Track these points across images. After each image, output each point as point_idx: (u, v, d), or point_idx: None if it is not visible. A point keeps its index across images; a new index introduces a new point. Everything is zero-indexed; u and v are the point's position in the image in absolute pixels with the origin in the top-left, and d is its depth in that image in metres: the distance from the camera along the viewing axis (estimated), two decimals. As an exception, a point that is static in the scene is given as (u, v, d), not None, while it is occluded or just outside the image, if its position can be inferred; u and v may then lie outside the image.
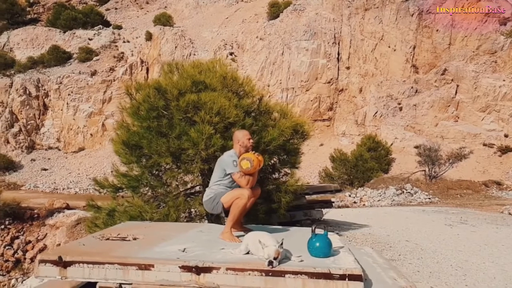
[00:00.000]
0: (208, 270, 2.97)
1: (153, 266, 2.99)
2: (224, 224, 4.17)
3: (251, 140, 4.09)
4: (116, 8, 49.48)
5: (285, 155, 6.13)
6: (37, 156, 33.23)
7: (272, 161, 6.07)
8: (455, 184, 18.80)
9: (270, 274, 2.94)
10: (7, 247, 16.38)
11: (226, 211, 3.96)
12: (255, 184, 4.02)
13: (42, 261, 3.04)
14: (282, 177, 6.38)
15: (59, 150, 34.07)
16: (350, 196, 17.80)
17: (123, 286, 3.02)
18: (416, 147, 24.52)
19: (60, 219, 18.15)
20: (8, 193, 20.40)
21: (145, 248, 3.38)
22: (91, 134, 34.11)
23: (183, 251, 3.30)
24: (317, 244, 3.26)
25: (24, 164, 32.20)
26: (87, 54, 37.21)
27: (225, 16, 41.11)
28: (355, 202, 17.06)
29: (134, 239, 3.81)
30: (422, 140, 25.90)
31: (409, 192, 17.25)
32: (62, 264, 3.01)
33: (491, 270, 5.55)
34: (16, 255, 14.56)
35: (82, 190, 28.44)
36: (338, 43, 32.45)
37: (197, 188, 5.81)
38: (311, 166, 28.67)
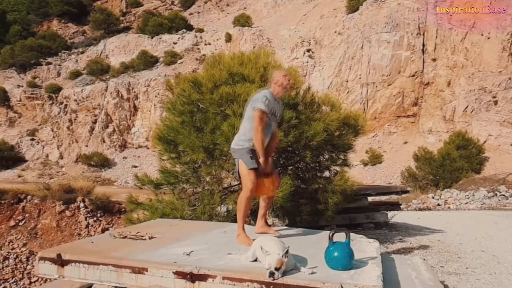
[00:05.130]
0: (203, 277, 2.64)
1: (146, 270, 2.75)
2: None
3: (291, 81, 3.61)
4: (198, 12, 51.46)
5: (334, 151, 5.56)
6: (128, 154, 35.78)
7: (319, 158, 5.55)
8: None
9: (271, 287, 2.53)
10: (98, 238, 17.86)
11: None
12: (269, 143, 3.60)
13: (42, 259, 2.95)
14: (333, 176, 5.80)
15: (148, 148, 36.24)
16: (433, 197, 16.25)
17: (118, 289, 2.83)
18: (515, 144, 21.78)
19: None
20: (100, 188, 22.11)
21: (150, 249, 3.16)
22: (174, 134, 35.82)
23: (188, 255, 3.01)
24: (335, 254, 2.76)
25: (117, 162, 34.91)
26: (172, 58, 39.19)
27: (303, 13, 40.43)
28: (438, 205, 15.51)
29: (150, 238, 3.63)
30: (523, 137, 22.90)
31: (503, 195, 15.21)
32: (60, 262, 2.89)
33: None
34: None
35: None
36: (423, 34, 30.03)
37: (235, 187, 5.53)
38: (394, 166, 27.00)
